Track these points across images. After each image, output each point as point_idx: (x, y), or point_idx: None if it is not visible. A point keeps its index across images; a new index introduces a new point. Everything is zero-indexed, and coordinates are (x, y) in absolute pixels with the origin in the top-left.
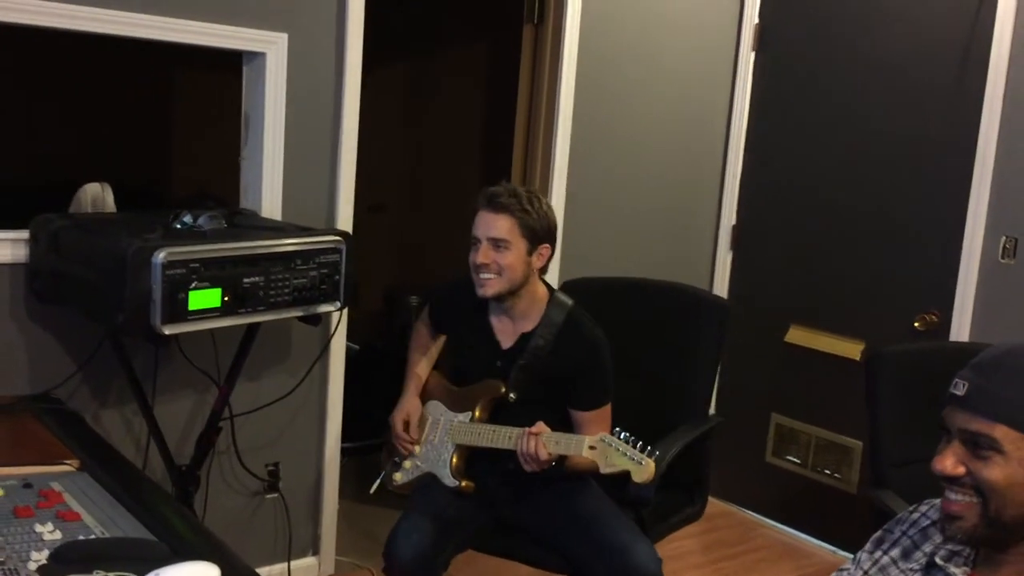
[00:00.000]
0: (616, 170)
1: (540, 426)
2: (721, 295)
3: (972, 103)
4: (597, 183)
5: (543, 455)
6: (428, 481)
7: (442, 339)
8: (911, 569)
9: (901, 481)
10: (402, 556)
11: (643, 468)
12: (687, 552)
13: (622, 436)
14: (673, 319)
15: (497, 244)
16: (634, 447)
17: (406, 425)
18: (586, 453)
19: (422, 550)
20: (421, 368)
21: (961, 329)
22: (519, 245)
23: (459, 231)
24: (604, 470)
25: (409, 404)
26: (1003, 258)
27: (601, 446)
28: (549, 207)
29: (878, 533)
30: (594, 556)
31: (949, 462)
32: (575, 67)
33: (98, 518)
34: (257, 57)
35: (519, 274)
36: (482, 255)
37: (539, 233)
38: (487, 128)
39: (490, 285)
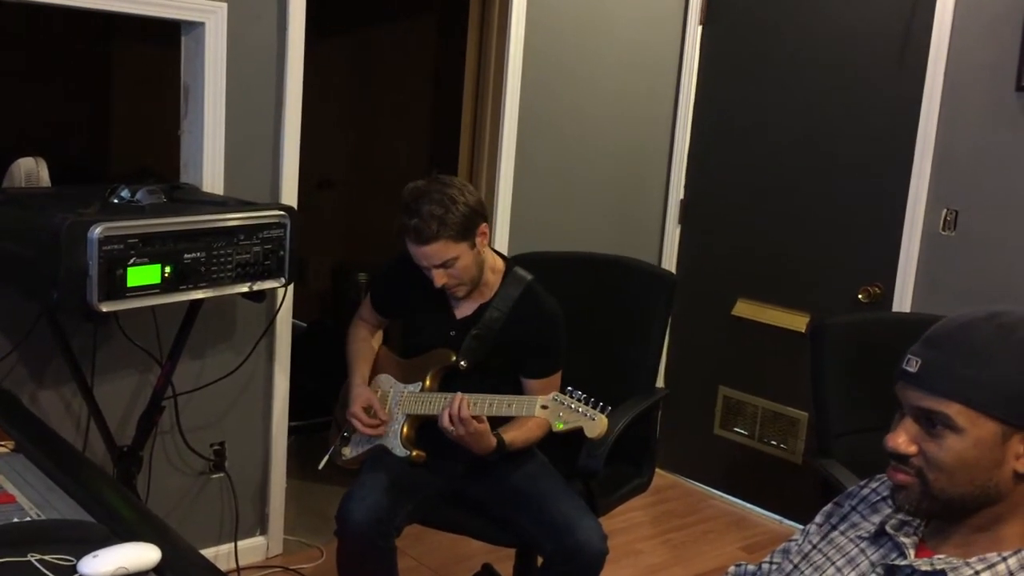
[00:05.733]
0: (564, 145)
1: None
2: (669, 269)
3: (915, 76)
4: (545, 158)
5: (466, 414)
6: (380, 452)
7: (380, 333)
8: (859, 537)
9: (845, 450)
10: (356, 518)
11: (596, 423)
12: (636, 524)
13: (574, 395)
14: (621, 293)
15: (445, 264)
16: (586, 404)
17: (370, 411)
18: (539, 413)
19: (376, 512)
20: (365, 360)
21: (903, 300)
22: (462, 250)
23: None
24: (557, 428)
25: (363, 392)
26: (944, 230)
27: (553, 404)
28: (467, 190)
29: (828, 506)
30: (541, 533)
31: (902, 440)
32: (523, 41)
33: (34, 500)
34: (196, 27)
35: (476, 270)
36: (438, 279)
37: (470, 226)
38: (436, 103)
39: (459, 291)
